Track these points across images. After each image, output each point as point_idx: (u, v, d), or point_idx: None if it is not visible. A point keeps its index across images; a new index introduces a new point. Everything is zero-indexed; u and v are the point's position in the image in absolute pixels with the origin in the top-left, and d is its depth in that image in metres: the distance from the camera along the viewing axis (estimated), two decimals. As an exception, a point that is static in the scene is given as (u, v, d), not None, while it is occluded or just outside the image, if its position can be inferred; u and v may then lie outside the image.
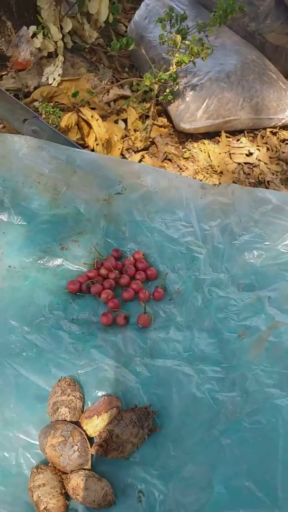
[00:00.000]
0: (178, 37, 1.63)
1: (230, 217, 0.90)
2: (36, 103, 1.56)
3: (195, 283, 0.82)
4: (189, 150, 1.84)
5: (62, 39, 1.64)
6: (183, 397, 0.66)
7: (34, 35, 1.57)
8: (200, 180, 1.53)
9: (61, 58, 1.62)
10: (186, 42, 1.68)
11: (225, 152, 1.84)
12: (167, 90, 1.77)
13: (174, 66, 1.70)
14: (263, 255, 0.83)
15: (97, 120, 1.72)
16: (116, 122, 1.88)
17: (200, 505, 0.57)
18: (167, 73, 1.71)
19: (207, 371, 0.69)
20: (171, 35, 1.66)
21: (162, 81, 1.73)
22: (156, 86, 1.72)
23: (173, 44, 1.66)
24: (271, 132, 2.00)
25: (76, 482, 0.57)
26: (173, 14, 1.66)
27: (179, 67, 1.69)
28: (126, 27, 2.35)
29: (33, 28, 1.55)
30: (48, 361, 0.71)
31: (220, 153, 1.82)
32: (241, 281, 0.81)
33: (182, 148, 1.85)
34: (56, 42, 1.62)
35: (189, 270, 0.84)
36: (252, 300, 0.77)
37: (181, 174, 1.56)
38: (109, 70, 2.13)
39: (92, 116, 1.70)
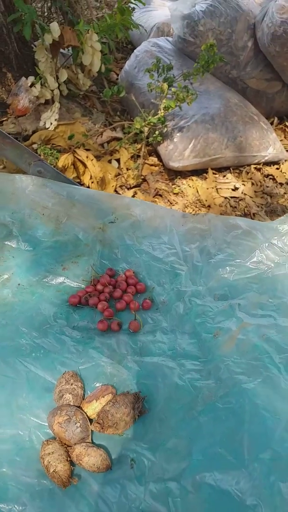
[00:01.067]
0: (165, 85, 1.83)
1: (207, 240, 1.06)
2: (34, 146, 1.73)
3: (178, 294, 0.97)
4: (178, 186, 2.00)
5: (58, 87, 1.79)
6: (167, 385, 0.79)
7: (33, 84, 1.72)
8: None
9: (57, 104, 1.77)
10: (173, 89, 1.87)
11: (212, 188, 2.00)
12: (157, 132, 1.95)
13: (162, 111, 1.89)
14: (235, 270, 0.98)
15: (92, 160, 1.89)
16: (109, 161, 2.05)
17: (182, 469, 0.69)
18: (156, 116, 1.90)
19: (188, 364, 0.82)
20: (159, 83, 1.86)
21: (152, 124, 1.92)
22: (146, 129, 1.90)
23: (161, 91, 1.85)
24: (255, 168, 2.17)
25: (79, 450, 0.69)
26: (160, 64, 1.87)
27: (166, 111, 1.89)
28: (117, 75, 2.57)
29: (31, 78, 1.70)
30: (53, 360, 0.84)
31: (207, 188, 1.98)
32: (216, 292, 0.96)
33: (172, 185, 2.01)
34: (52, 91, 1.76)
35: (172, 284, 0.99)
36: (225, 307, 0.91)
37: (171, 208, 1.72)
38: (102, 115, 2.32)
39: (87, 157, 1.86)
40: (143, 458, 0.71)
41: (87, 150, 1.99)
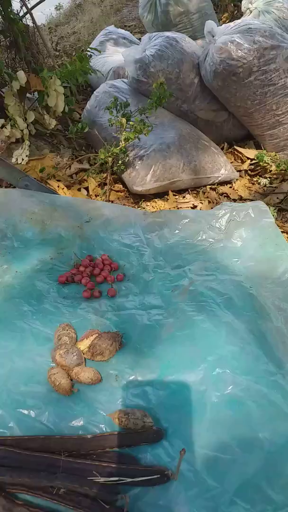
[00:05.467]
0: (124, 120, 2.11)
1: (164, 229, 1.36)
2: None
3: (144, 268, 1.24)
4: (143, 208, 2.27)
5: (27, 127, 1.96)
6: (139, 326, 1.06)
7: (3, 126, 1.87)
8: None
9: (27, 142, 1.94)
10: (130, 123, 2.16)
11: (174, 207, 2.28)
12: (120, 162, 2.22)
13: (123, 142, 2.17)
14: (186, 247, 1.27)
15: (63, 189, 2.13)
16: (79, 190, 2.30)
17: (153, 377, 0.94)
18: (118, 148, 2.18)
19: (153, 312, 1.09)
20: (118, 118, 2.15)
21: (115, 154, 2.19)
22: (110, 159, 2.17)
23: (120, 125, 2.13)
24: (210, 188, 2.45)
25: (77, 370, 0.94)
26: (118, 102, 2.16)
27: (127, 143, 2.16)
28: (80, 114, 2.84)
29: (1, 121, 1.85)
30: (51, 319, 1.09)
31: (169, 208, 2.26)
32: (172, 264, 1.24)
33: (138, 207, 2.28)
34: (22, 130, 1.92)
35: (139, 261, 1.27)
36: (180, 272, 1.19)
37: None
38: (69, 149, 2.58)
39: (58, 186, 2.12)
40: (125, 374, 0.96)
41: (58, 180, 2.24)
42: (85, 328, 1.07)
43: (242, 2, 2.80)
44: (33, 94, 2.34)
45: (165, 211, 1.40)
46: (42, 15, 4.92)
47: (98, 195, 2.33)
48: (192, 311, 1.05)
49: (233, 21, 2.95)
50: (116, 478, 0.76)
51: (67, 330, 1.03)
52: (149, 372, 0.96)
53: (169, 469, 0.78)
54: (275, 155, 2.55)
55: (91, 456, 0.81)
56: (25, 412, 0.88)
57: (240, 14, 2.92)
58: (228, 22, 3.82)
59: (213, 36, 2.37)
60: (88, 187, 2.33)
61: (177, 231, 1.33)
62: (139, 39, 3.20)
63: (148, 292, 1.16)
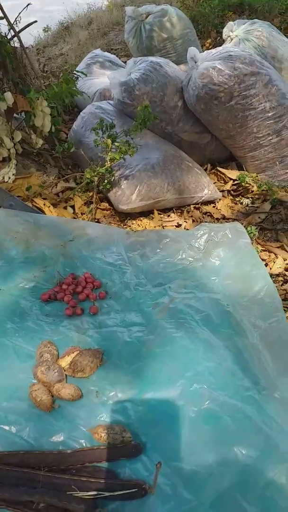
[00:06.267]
0: (109, 141, 2.16)
1: (146, 248, 1.39)
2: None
3: (125, 286, 1.27)
4: (129, 226, 2.30)
5: (14, 146, 1.98)
6: (119, 343, 1.08)
7: None
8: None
9: (14, 161, 1.96)
10: (116, 144, 2.22)
11: (159, 225, 2.32)
12: (106, 181, 2.26)
13: (109, 162, 2.22)
14: (166, 266, 1.31)
15: (49, 207, 2.17)
16: (65, 208, 2.33)
17: (133, 394, 0.97)
18: (104, 168, 2.22)
19: (134, 329, 1.12)
20: (104, 139, 2.20)
21: (100, 174, 2.23)
22: (96, 178, 2.21)
23: (106, 146, 2.18)
24: (194, 207, 2.50)
25: (58, 386, 0.96)
26: (104, 124, 2.22)
27: (112, 163, 2.21)
28: (67, 134, 2.89)
29: None
30: (33, 337, 1.11)
31: (154, 226, 2.30)
32: (154, 282, 1.27)
33: (123, 225, 2.32)
34: (9, 150, 1.95)
35: (121, 279, 1.30)
36: (160, 290, 1.23)
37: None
38: (55, 168, 2.62)
39: (44, 204, 2.15)
40: (105, 390, 0.98)
41: (44, 199, 2.27)
42: (67, 345, 1.10)
43: (223, 30, 2.92)
44: (21, 114, 2.38)
45: (147, 231, 1.44)
46: (30, 36, 5.02)
47: (84, 213, 2.36)
48: (172, 328, 1.08)
49: (215, 47, 3.06)
50: (95, 493, 0.78)
51: (48, 347, 1.05)
52: (129, 388, 0.98)
53: (146, 483, 0.80)
54: (257, 176, 2.62)
55: (71, 471, 0.83)
56: (6, 428, 0.90)
57: (222, 41, 3.04)
58: (211, 47, 3.96)
59: (195, 62, 2.45)
60: (74, 205, 2.36)
61: (158, 250, 1.37)
62: (125, 62, 3.29)
63: (130, 310, 1.19)
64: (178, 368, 0.98)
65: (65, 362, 1.03)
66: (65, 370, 1.02)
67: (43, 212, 2.07)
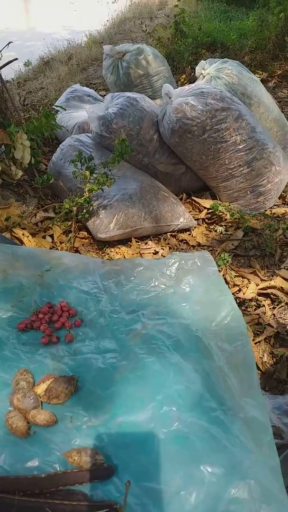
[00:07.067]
0: (87, 172, 2.25)
1: (120, 276, 1.45)
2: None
3: (100, 313, 1.32)
4: (107, 254, 2.37)
5: None
6: (93, 369, 1.12)
7: None
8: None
9: None
10: (94, 175, 2.31)
11: (137, 253, 2.40)
12: (84, 211, 2.34)
13: (87, 193, 2.30)
14: (139, 293, 1.37)
15: (28, 236, 2.22)
16: (44, 237, 2.38)
17: (106, 418, 1.01)
18: (82, 198, 2.30)
19: (108, 355, 1.16)
20: (82, 171, 2.29)
21: (79, 204, 2.31)
22: (74, 208, 2.28)
23: (84, 178, 2.27)
24: (171, 235, 2.60)
25: (33, 413, 0.99)
26: (83, 156, 2.31)
27: (91, 193, 2.30)
28: (46, 165, 2.98)
29: None
30: (9, 365, 1.14)
31: (132, 254, 2.37)
32: (127, 309, 1.33)
33: (102, 253, 2.38)
34: None
35: (96, 307, 1.35)
36: (134, 317, 1.28)
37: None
38: (35, 199, 2.68)
39: (23, 234, 2.20)
40: (79, 415, 1.02)
41: (23, 229, 2.32)
42: (43, 372, 1.13)
43: (196, 68, 3.08)
44: (1, 147, 2.46)
45: (121, 260, 1.51)
46: (11, 70, 5.16)
47: (63, 242, 2.41)
48: (144, 354, 1.13)
49: (190, 82, 3.19)
50: (67, 515, 0.81)
51: (24, 375, 1.09)
52: (102, 413, 1.02)
53: (118, 503, 0.83)
54: (229, 205, 2.73)
55: (45, 495, 0.86)
56: (-19, 456, 0.92)
57: (196, 77, 3.20)
58: (186, 82, 4.15)
59: (169, 98, 2.59)
60: (53, 234, 2.41)
61: (132, 278, 1.43)
62: (103, 96, 3.42)
63: (104, 337, 1.24)
64: (149, 392, 1.03)
65: (40, 389, 1.06)
66: (40, 397, 1.05)
67: (22, 242, 2.12)
